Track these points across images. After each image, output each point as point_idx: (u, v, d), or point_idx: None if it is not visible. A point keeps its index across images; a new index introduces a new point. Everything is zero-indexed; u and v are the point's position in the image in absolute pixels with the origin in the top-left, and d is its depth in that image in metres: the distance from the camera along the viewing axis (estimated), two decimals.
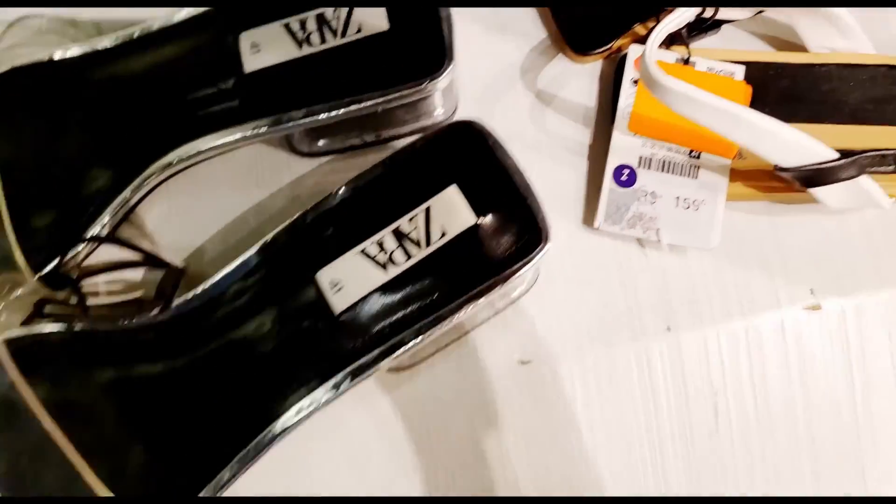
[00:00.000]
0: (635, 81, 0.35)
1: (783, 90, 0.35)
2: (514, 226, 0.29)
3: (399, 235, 0.29)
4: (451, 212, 0.29)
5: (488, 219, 0.29)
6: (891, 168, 0.32)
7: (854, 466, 0.34)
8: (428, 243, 0.29)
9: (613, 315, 0.34)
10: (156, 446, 0.28)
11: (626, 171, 0.34)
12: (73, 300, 0.29)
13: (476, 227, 0.29)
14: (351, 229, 0.29)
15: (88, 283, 0.31)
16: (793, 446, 0.34)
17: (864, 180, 0.31)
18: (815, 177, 0.31)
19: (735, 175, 0.34)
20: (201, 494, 0.27)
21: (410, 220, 0.29)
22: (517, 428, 0.33)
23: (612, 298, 0.34)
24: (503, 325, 0.34)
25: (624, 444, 0.34)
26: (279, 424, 0.28)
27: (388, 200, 0.29)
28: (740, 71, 0.35)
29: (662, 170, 0.34)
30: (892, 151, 0.31)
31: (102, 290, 0.32)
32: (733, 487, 0.34)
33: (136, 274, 0.33)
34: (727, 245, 0.34)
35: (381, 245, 0.29)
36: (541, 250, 0.28)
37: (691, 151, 0.34)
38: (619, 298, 0.34)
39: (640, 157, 0.34)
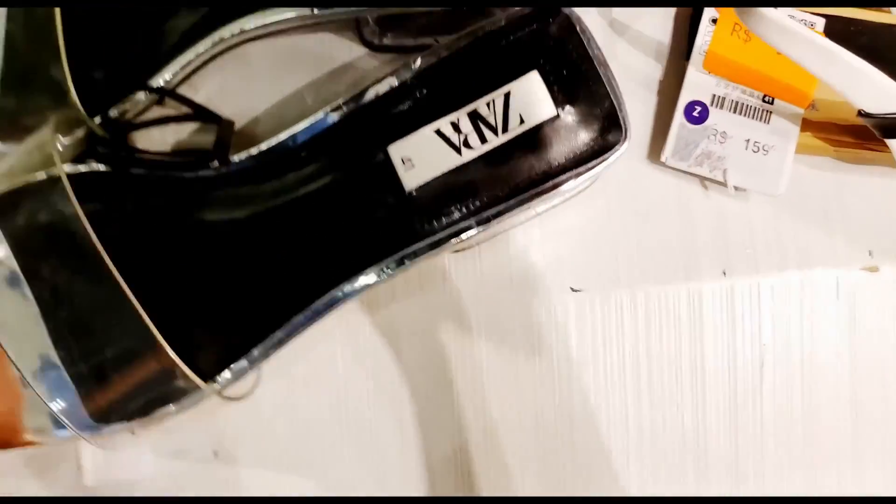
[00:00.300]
0: (714, 20, 0.34)
1: (862, 47, 0.34)
2: (595, 120, 0.28)
3: (475, 118, 0.27)
4: (531, 99, 0.27)
5: (568, 110, 0.28)
6: None
7: (894, 434, 0.34)
8: (505, 130, 0.27)
9: (669, 253, 0.33)
10: (209, 297, 0.27)
11: (699, 108, 0.33)
12: (126, 147, 0.27)
13: (556, 117, 0.28)
14: (426, 105, 0.28)
15: (142, 135, 0.30)
16: (835, 408, 0.33)
17: None
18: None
19: (806, 125, 0.33)
20: (254, 351, 0.26)
21: (488, 104, 0.27)
22: (559, 352, 0.32)
23: (669, 236, 0.33)
24: (557, 251, 0.33)
25: (666, 386, 0.33)
26: (338, 292, 0.27)
27: (466, 80, 0.28)
28: (820, 23, 0.34)
29: (734, 111, 0.33)
30: None
31: (156, 142, 0.31)
32: (772, 445, 0.33)
33: (189, 130, 0.31)
34: (790, 196, 0.33)
35: (456, 126, 0.27)
36: (619, 149, 0.27)
37: (765, 96, 0.34)
38: (676, 237, 0.33)
39: (714, 96, 0.33)
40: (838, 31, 0.34)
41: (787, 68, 0.32)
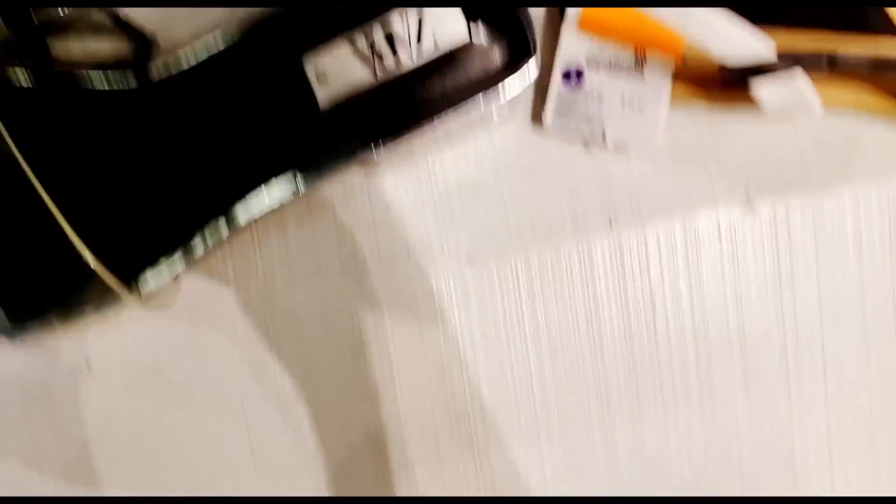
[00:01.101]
0: None
1: None
2: (504, 44, 0.30)
3: (391, 40, 0.29)
4: (445, 24, 0.29)
5: (480, 36, 0.30)
6: (824, 70, 0.33)
7: (779, 364, 0.36)
8: (419, 52, 0.29)
9: (558, 213, 0.35)
10: (127, 204, 0.28)
11: (575, 73, 0.34)
12: (45, 55, 0.28)
13: (468, 43, 0.29)
14: (343, 18, 0.29)
15: (59, 44, 0.30)
16: (725, 347, 0.36)
17: (801, 81, 0.32)
18: (755, 73, 0.32)
19: (678, 77, 0.35)
20: (174, 260, 0.27)
21: (405, 25, 0.29)
22: (461, 321, 0.34)
23: (556, 197, 0.35)
24: (451, 219, 0.34)
25: (565, 339, 0.35)
26: (254, 204, 0.29)
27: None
28: None
29: (609, 71, 0.35)
30: (825, 53, 0.32)
31: (74, 52, 0.30)
32: (669, 387, 0.35)
33: (107, 46, 0.31)
34: (668, 147, 0.35)
35: (372, 47, 0.29)
36: (526, 69, 0.30)
37: (637, 54, 0.35)
38: (563, 197, 0.35)
39: (588, 59, 0.35)
40: None
41: (656, 24, 0.33)
